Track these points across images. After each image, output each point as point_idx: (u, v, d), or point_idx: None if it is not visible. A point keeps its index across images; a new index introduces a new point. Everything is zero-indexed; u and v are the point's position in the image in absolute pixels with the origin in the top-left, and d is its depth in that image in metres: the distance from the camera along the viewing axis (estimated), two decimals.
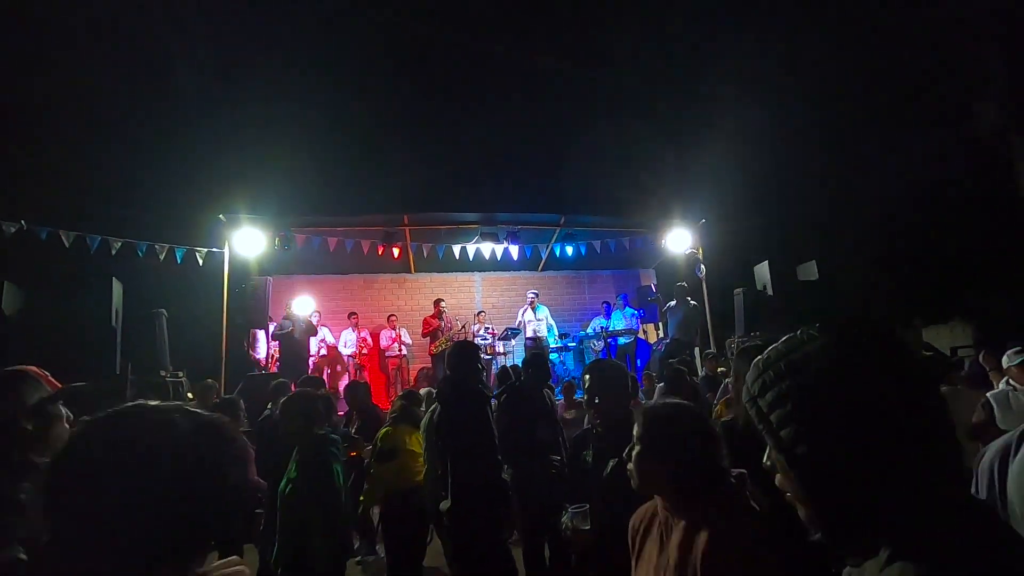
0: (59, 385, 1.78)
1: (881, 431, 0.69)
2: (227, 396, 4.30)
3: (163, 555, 0.76)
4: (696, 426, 1.49)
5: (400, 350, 9.67)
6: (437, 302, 9.67)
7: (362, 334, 9.69)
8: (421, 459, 3.99)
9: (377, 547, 4.84)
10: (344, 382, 9.66)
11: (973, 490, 1.36)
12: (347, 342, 9.56)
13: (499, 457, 3.42)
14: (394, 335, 9.71)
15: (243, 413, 4.18)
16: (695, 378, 6.36)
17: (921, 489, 0.68)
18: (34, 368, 1.78)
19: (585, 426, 3.09)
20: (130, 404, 0.84)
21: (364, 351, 9.63)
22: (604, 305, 10.42)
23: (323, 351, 9.41)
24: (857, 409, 0.70)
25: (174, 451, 0.78)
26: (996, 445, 1.39)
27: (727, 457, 1.48)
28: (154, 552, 0.75)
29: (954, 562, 0.64)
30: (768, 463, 0.82)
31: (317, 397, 3.08)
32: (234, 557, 0.88)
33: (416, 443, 4.01)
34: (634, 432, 1.53)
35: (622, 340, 9.76)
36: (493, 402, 3.72)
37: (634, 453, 1.49)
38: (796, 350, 0.77)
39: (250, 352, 8.86)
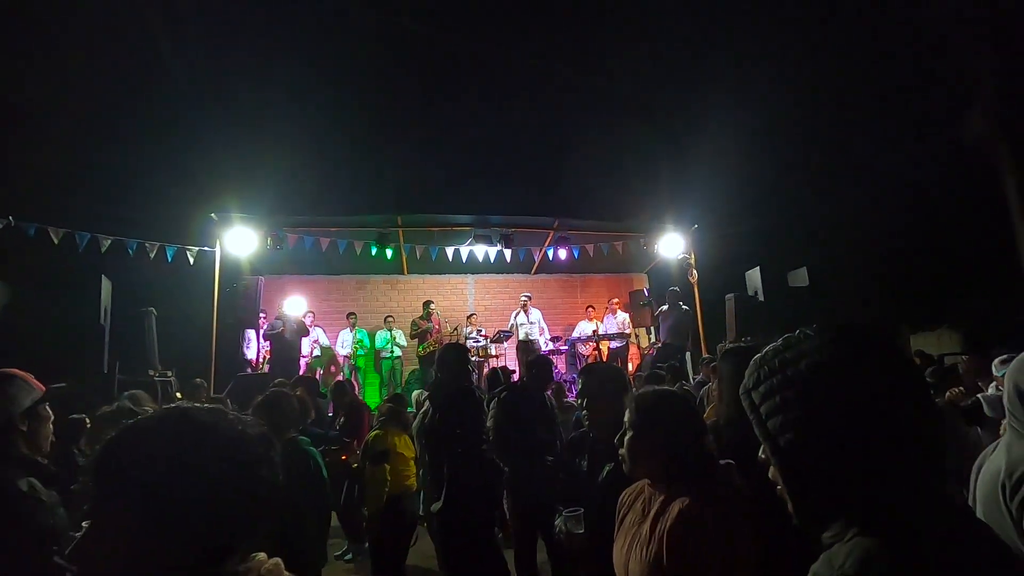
0: (43, 387, 1.86)
1: (861, 428, 0.73)
2: (215, 396, 4.26)
3: (206, 550, 0.78)
4: (683, 410, 1.55)
5: (392, 351, 9.64)
6: (426, 304, 9.66)
7: (358, 336, 9.66)
8: (411, 462, 4.02)
9: (366, 546, 4.83)
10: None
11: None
12: (344, 342, 9.52)
13: (491, 458, 3.42)
14: (388, 336, 9.69)
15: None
16: (685, 383, 6.40)
17: (894, 483, 0.72)
18: (18, 371, 1.84)
19: (580, 428, 3.09)
20: (175, 405, 0.87)
21: (361, 351, 9.60)
22: (588, 309, 10.41)
23: (316, 352, 9.36)
24: (839, 405, 0.74)
25: (218, 452, 0.81)
26: (979, 459, 1.45)
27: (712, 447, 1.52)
28: (197, 547, 0.77)
29: (909, 542, 0.69)
30: (763, 456, 0.85)
31: (283, 399, 2.96)
32: (262, 554, 0.89)
33: (405, 446, 4.02)
34: (625, 418, 1.58)
35: (614, 344, 9.80)
36: (493, 400, 3.74)
37: (626, 438, 1.55)
38: (791, 348, 0.82)
39: (244, 351, 8.81)
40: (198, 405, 0.87)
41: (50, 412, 1.83)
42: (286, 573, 0.88)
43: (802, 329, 0.84)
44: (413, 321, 9.53)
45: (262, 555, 0.88)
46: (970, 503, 1.40)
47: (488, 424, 3.72)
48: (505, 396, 3.85)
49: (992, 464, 1.32)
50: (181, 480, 0.77)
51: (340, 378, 9.55)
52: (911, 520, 0.71)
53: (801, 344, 0.81)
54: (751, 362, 0.87)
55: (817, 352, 0.79)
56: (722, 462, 1.51)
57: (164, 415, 0.85)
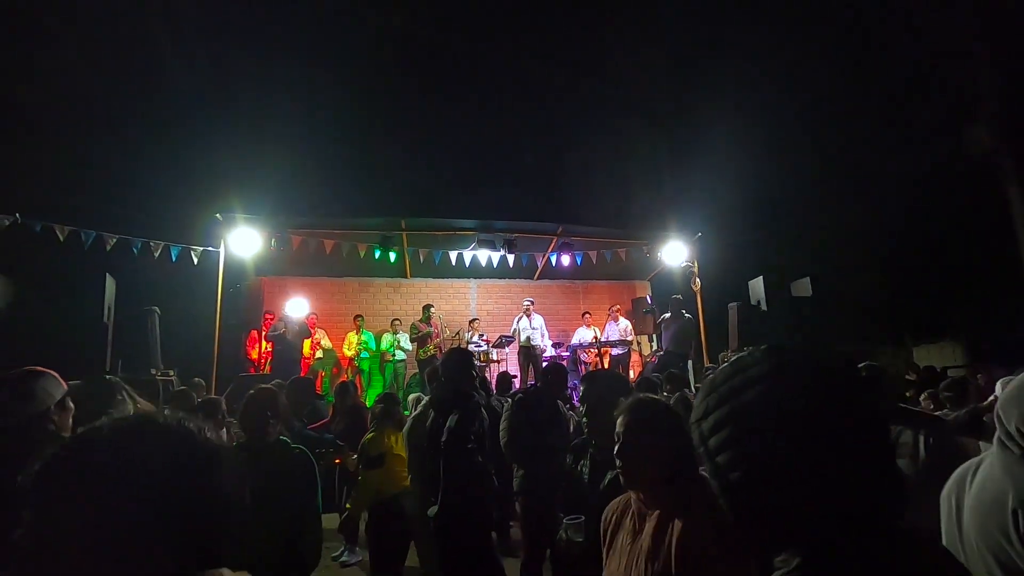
0: (65, 383, 2.01)
1: (808, 465, 0.70)
2: (209, 396, 4.24)
3: (152, 568, 0.73)
4: (671, 418, 1.55)
5: (396, 354, 9.64)
6: (425, 308, 9.66)
7: (363, 337, 9.66)
8: (404, 460, 4.01)
9: (357, 549, 4.83)
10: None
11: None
12: (350, 344, 9.54)
13: (490, 463, 3.42)
14: (394, 340, 9.69)
15: (224, 414, 4.10)
16: (688, 390, 6.37)
17: (840, 518, 0.69)
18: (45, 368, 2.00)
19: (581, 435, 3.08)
20: (127, 416, 0.83)
21: (364, 353, 9.60)
22: (584, 315, 10.37)
23: (318, 353, 9.37)
24: (787, 441, 0.70)
25: (164, 465, 0.76)
26: (955, 476, 1.41)
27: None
28: (142, 565, 0.72)
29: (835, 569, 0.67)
30: None
31: (270, 397, 2.86)
32: (226, 570, 0.83)
33: (401, 446, 4.02)
34: (617, 428, 1.58)
35: (616, 351, 9.79)
36: (502, 403, 3.74)
37: (617, 447, 1.55)
38: (740, 373, 0.77)
39: (247, 352, 8.82)
40: (155, 412, 0.84)
41: (72, 405, 1.98)
42: None
43: (752, 350, 0.80)
44: (413, 324, 9.52)
45: (226, 571, 0.82)
46: (951, 523, 1.36)
47: (502, 427, 3.75)
48: (520, 400, 3.88)
49: (994, 489, 1.26)
50: (129, 493, 0.72)
51: (344, 379, 9.58)
52: (852, 555, 0.68)
53: (749, 370, 0.77)
54: (700, 388, 0.83)
55: (762, 381, 0.75)
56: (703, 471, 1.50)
57: (116, 425, 0.80)
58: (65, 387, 1.98)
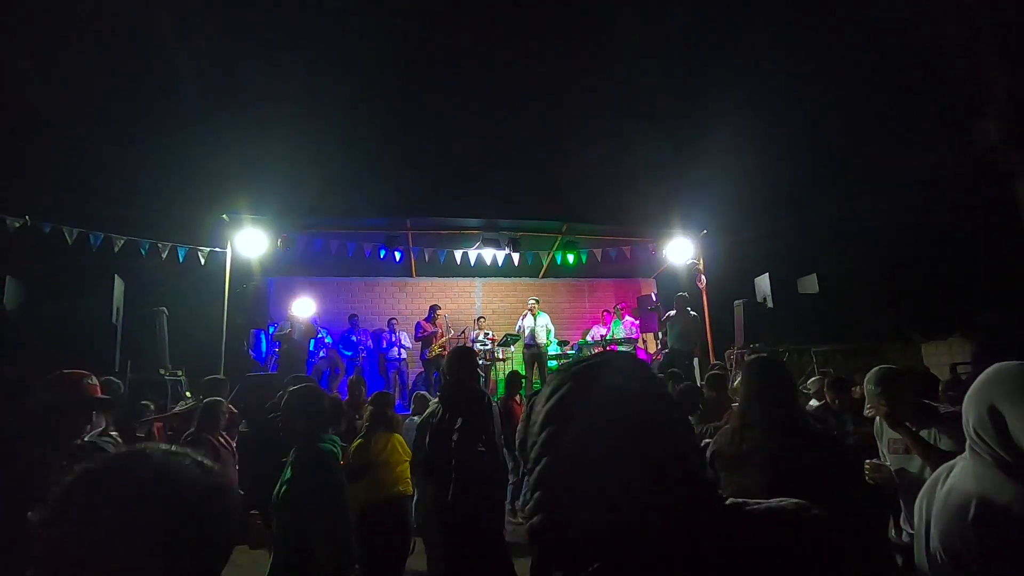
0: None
1: (598, 470, 0.67)
2: (211, 398, 4.23)
3: None
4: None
5: (400, 354, 9.66)
6: (432, 308, 9.68)
7: (361, 337, 9.69)
8: (402, 465, 3.81)
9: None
10: (341, 384, 9.67)
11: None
12: (347, 344, 9.56)
13: (500, 460, 3.43)
14: (394, 339, 9.71)
15: (224, 415, 4.11)
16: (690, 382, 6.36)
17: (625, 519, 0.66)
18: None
19: None
20: (136, 449, 0.85)
21: (363, 354, 9.63)
22: (604, 313, 10.46)
23: (323, 353, 9.41)
24: (580, 459, 0.68)
25: (172, 502, 0.79)
26: (929, 481, 1.38)
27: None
28: None
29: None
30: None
31: (323, 395, 2.93)
32: None
33: (396, 448, 3.83)
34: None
35: (621, 349, 9.77)
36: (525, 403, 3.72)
37: None
38: (559, 389, 0.76)
39: (249, 352, 8.87)
40: (157, 448, 0.85)
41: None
42: None
43: (572, 362, 0.80)
44: (417, 324, 9.57)
45: None
46: (921, 528, 1.33)
47: (519, 427, 3.73)
48: (535, 400, 3.84)
49: (959, 496, 1.22)
50: (135, 528, 0.74)
51: (344, 382, 9.60)
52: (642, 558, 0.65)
53: (567, 370, 0.77)
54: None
55: (566, 383, 0.74)
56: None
57: (121, 460, 0.83)
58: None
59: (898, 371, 2.69)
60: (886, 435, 2.72)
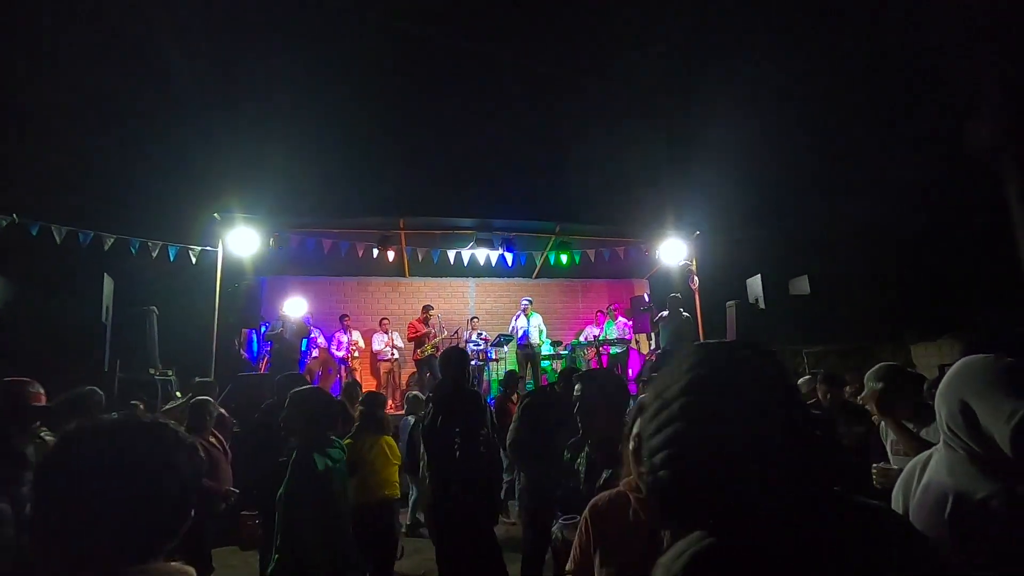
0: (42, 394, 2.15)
1: (712, 447, 0.73)
2: (199, 398, 4.17)
3: (124, 547, 0.87)
4: None
5: (392, 354, 9.63)
6: (425, 308, 9.65)
7: (353, 337, 9.64)
8: (389, 469, 3.80)
9: None
10: (333, 385, 9.62)
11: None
12: (339, 344, 9.52)
13: (490, 459, 3.42)
14: (387, 339, 9.68)
15: (212, 415, 4.06)
16: None
17: (744, 499, 0.72)
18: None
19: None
20: (95, 420, 0.96)
21: (356, 354, 9.58)
22: (597, 314, 10.47)
23: (315, 353, 9.36)
24: (694, 427, 0.75)
25: (134, 459, 0.89)
26: (904, 473, 1.38)
27: None
28: (116, 544, 0.86)
29: (741, 545, 0.71)
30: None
31: (330, 399, 2.92)
32: (175, 564, 0.95)
33: (383, 451, 3.81)
34: (635, 430, 1.50)
35: (614, 350, 9.79)
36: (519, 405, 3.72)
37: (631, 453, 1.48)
38: (670, 369, 0.83)
39: (241, 352, 8.81)
40: (128, 416, 0.97)
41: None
42: None
43: (684, 352, 0.85)
44: (411, 324, 9.54)
45: (176, 564, 0.94)
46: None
47: (511, 427, 3.73)
48: (528, 402, 3.84)
49: (936, 491, 1.23)
50: (104, 487, 0.85)
51: (336, 383, 9.56)
52: (754, 526, 0.72)
53: (679, 365, 0.82)
54: (650, 389, 0.87)
55: (685, 374, 0.79)
56: None
57: (94, 427, 0.94)
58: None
59: (900, 368, 2.67)
60: (891, 436, 2.69)
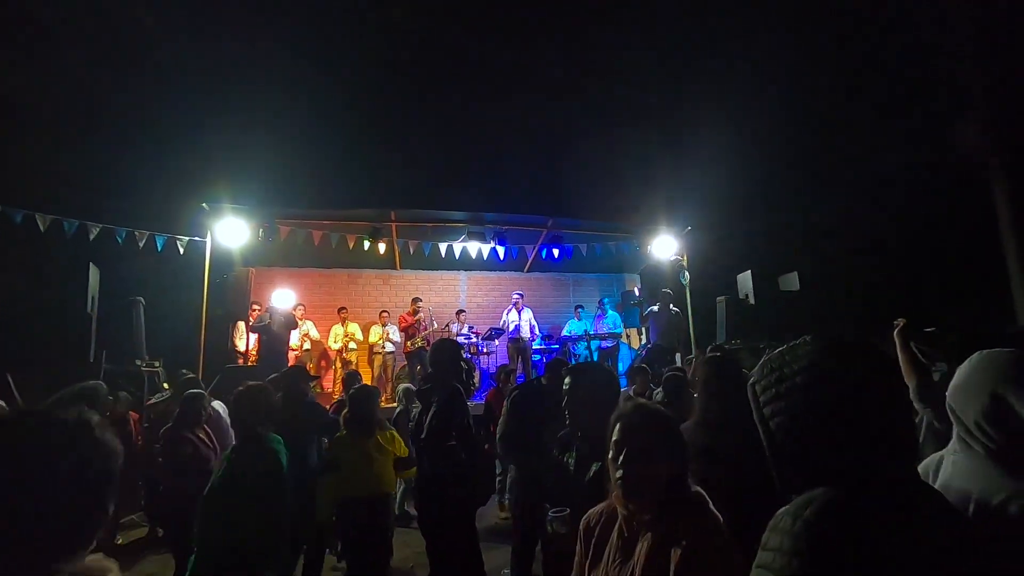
0: None
1: (833, 416, 0.90)
2: (192, 391, 4.08)
3: (49, 541, 0.87)
4: (678, 433, 1.49)
5: (385, 346, 9.60)
6: (414, 300, 9.61)
7: (349, 329, 9.60)
8: (380, 463, 3.75)
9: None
10: (328, 377, 9.58)
11: None
12: (336, 337, 9.48)
13: (474, 455, 3.40)
14: (382, 332, 9.64)
15: (205, 410, 4.01)
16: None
17: (859, 459, 0.88)
18: None
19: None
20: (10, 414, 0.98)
21: (352, 346, 9.54)
22: (577, 308, 10.34)
23: (306, 345, 9.30)
24: (818, 397, 0.92)
25: (47, 454, 0.90)
26: (924, 466, 1.36)
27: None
28: (41, 538, 0.87)
29: (866, 498, 0.84)
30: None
31: (261, 394, 2.87)
32: (99, 555, 0.96)
33: (374, 446, 3.75)
34: (615, 436, 1.48)
35: (604, 344, 9.82)
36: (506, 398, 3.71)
37: (621, 457, 1.43)
38: (790, 352, 0.99)
39: (233, 343, 8.74)
40: (20, 412, 0.99)
41: None
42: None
43: (803, 337, 1.01)
44: (400, 316, 9.50)
45: (99, 556, 0.95)
46: None
47: (500, 420, 3.72)
48: (516, 396, 3.81)
49: (956, 492, 1.21)
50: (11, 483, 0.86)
51: (330, 375, 9.51)
52: (871, 484, 0.86)
53: (797, 349, 0.99)
54: (760, 363, 1.03)
55: (807, 356, 0.96)
56: (694, 489, 1.44)
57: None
58: None
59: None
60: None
